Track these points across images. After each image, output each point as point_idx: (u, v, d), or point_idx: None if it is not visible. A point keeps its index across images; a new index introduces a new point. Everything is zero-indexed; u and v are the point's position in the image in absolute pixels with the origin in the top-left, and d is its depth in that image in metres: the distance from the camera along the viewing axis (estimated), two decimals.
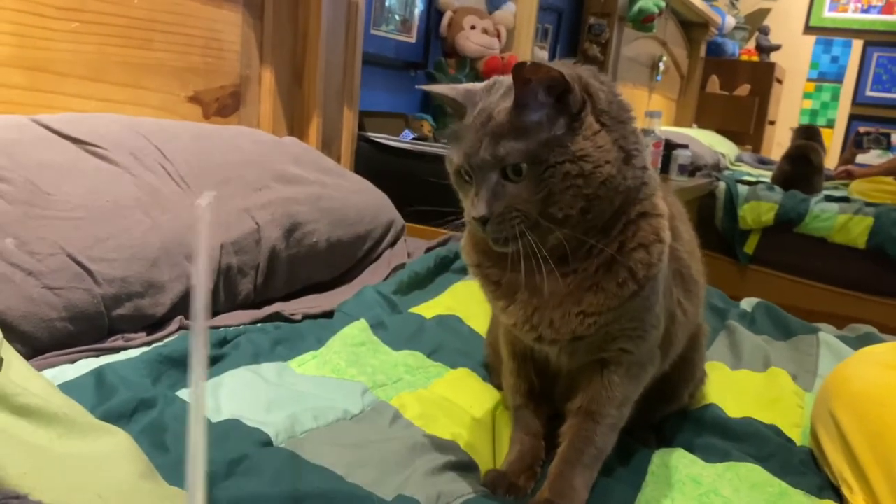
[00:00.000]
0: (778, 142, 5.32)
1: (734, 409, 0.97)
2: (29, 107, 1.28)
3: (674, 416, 0.95)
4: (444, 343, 1.10)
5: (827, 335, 1.24)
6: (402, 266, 1.39)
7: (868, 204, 3.21)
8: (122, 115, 1.30)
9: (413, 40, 2.54)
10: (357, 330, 1.08)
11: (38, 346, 0.86)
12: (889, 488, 0.73)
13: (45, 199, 0.95)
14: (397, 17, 2.45)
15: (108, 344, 0.93)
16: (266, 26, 1.77)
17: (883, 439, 0.76)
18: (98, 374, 0.82)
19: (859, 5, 5.26)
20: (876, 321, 3.00)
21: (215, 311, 1.09)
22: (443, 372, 1.01)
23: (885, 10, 5.18)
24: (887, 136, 3.79)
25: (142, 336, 0.97)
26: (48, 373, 0.83)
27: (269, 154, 1.31)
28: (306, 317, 1.15)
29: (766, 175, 3.80)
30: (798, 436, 0.94)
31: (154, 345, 0.95)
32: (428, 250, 1.50)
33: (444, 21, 2.60)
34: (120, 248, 0.96)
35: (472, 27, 2.60)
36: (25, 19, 1.27)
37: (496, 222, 0.67)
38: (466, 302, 1.27)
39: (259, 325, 1.09)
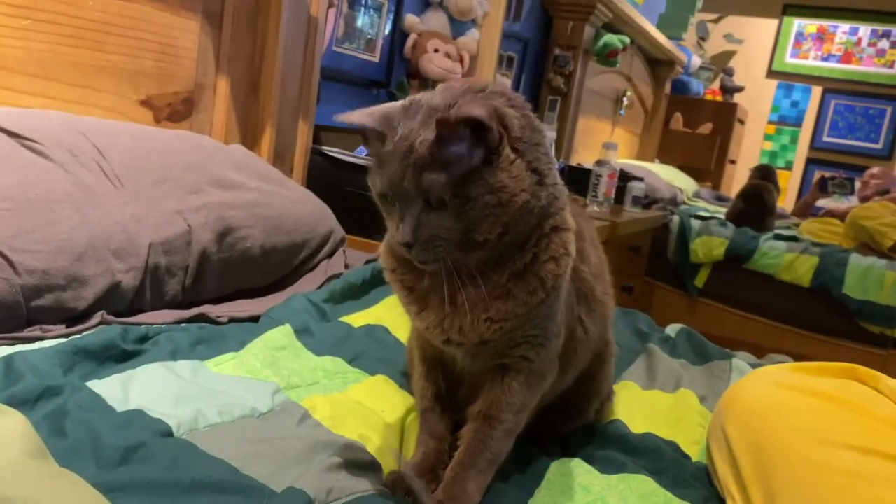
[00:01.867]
0: (738, 180, 5.45)
1: (638, 425, 1.01)
2: None
3: (579, 429, 0.98)
4: (367, 351, 1.13)
5: (740, 362, 1.29)
6: (337, 276, 1.41)
7: (814, 244, 3.31)
8: (64, 113, 1.31)
9: (377, 60, 2.59)
10: (280, 334, 1.10)
11: None
12: (764, 499, 0.77)
13: None
14: (364, 37, 2.49)
15: (24, 333, 0.94)
16: (224, 35, 1.79)
17: (763, 452, 0.80)
18: (7, 360, 0.83)
19: (819, 53, 5.45)
20: (815, 357, 3.09)
21: (140, 309, 1.11)
22: (361, 378, 1.04)
23: (843, 59, 5.37)
24: (851, 180, 3.91)
25: (60, 328, 0.98)
26: None
27: (209, 159, 1.34)
28: (232, 320, 1.17)
29: (722, 211, 3.90)
30: (696, 452, 0.98)
31: (72, 337, 0.96)
32: (367, 262, 1.53)
33: (409, 43, 2.66)
34: (45, 241, 0.97)
35: (436, 50, 2.65)
36: None
37: (421, 248, 0.71)
38: (397, 314, 1.29)
39: (183, 325, 1.10)
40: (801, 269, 3.24)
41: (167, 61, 1.66)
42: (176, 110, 1.71)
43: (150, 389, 0.86)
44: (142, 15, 1.58)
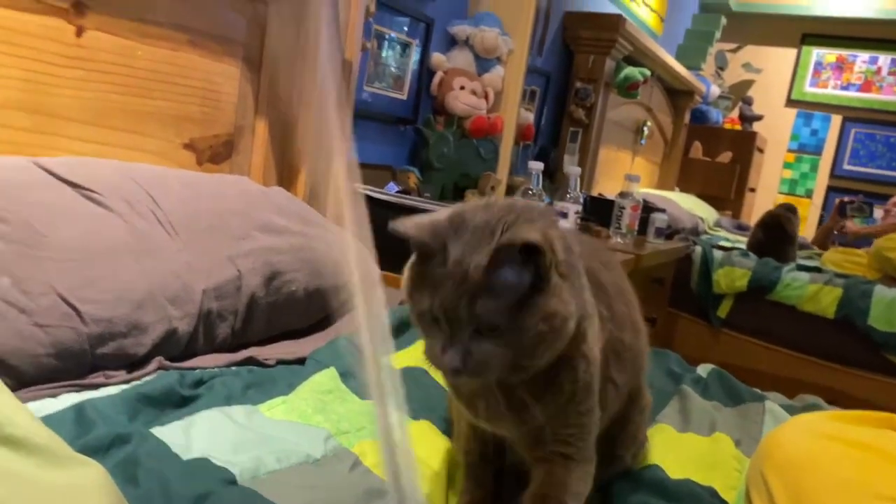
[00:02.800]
0: (757, 208, 5.46)
1: (675, 470, 1.03)
2: (31, 147, 1.35)
3: (617, 476, 1.01)
4: (409, 395, 1.16)
5: (773, 404, 1.31)
6: None
7: (838, 275, 3.31)
8: (117, 161, 1.37)
9: (404, 97, 2.65)
10: (326, 378, 1.14)
11: (23, 379, 0.92)
12: None
13: (41, 240, 1.01)
14: (392, 75, 2.56)
15: (89, 380, 0.99)
16: (263, 80, 1.86)
17: (800, 502, 0.83)
18: (78, 408, 0.87)
19: (838, 82, 5.47)
20: (840, 390, 3.08)
21: (192, 353, 1.15)
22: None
23: (863, 88, 5.39)
24: (870, 204, 3.91)
25: (122, 374, 1.03)
26: (32, 405, 0.88)
27: (254, 204, 1.39)
28: (280, 362, 1.21)
29: (742, 241, 3.91)
30: (733, 498, 1.00)
31: (133, 383, 1.01)
32: (401, 302, 1.56)
33: (435, 80, 2.72)
34: (108, 290, 1.02)
35: (462, 87, 2.72)
36: (35, 66, 1.35)
37: (470, 375, 0.70)
38: None
39: (234, 368, 1.15)
40: (825, 300, 3.24)
41: (210, 106, 1.73)
42: (217, 152, 1.78)
43: (210, 436, 0.90)
44: (187, 63, 1.65)
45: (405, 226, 0.72)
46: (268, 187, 1.64)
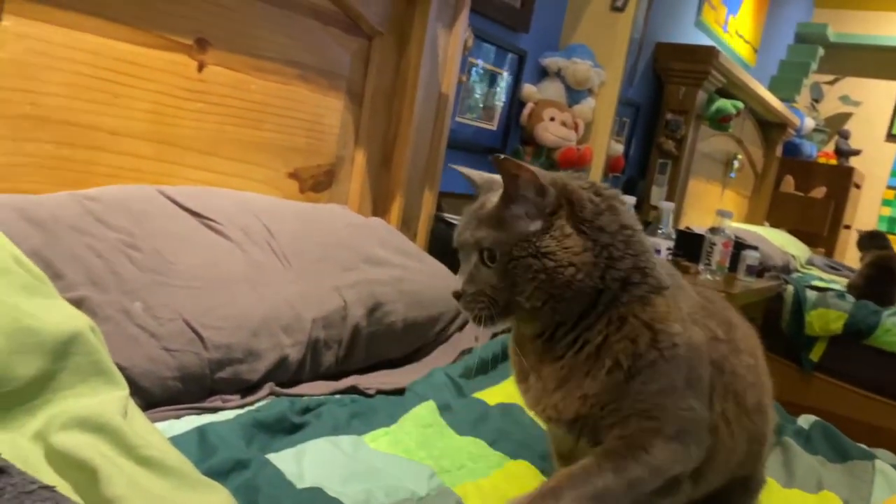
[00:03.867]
0: (852, 246, 5.23)
1: None
2: (153, 175, 1.44)
3: None
4: (506, 432, 1.17)
5: (884, 464, 1.25)
6: (468, 350, 1.47)
7: None
8: (232, 191, 1.45)
9: (494, 128, 2.69)
10: (426, 411, 1.16)
11: (150, 400, 0.98)
12: None
13: (169, 267, 1.08)
14: (483, 106, 2.60)
15: (207, 403, 1.04)
16: (364, 113, 1.93)
17: None
18: (201, 431, 0.92)
19: None
20: None
21: (299, 380, 1.20)
22: (503, 462, 1.08)
23: None
24: None
25: (236, 399, 1.08)
26: (158, 426, 0.94)
27: (358, 236, 1.44)
28: (379, 392, 1.24)
29: (837, 280, 3.75)
30: None
31: (247, 408, 1.06)
32: (494, 336, 1.58)
33: (526, 111, 2.75)
34: (227, 318, 1.08)
35: (552, 119, 2.73)
36: (160, 98, 1.44)
37: (467, 300, 0.76)
38: None
39: (337, 396, 1.18)
40: None
41: (315, 137, 1.80)
42: (318, 181, 1.84)
43: (321, 465, 0.94)
44: (296, 96, 1.72)
45: (468, 171, 0.87)
46: (367, 218, 1.69)
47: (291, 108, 1.72)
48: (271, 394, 1.11)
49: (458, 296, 0.77)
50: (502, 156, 0.73)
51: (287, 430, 1.02)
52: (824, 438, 1.37)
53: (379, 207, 1.98)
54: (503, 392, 1.35)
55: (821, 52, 5.19)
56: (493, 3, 2.47)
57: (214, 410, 1.03)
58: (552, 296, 0.74)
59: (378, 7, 1.86)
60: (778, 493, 1.13)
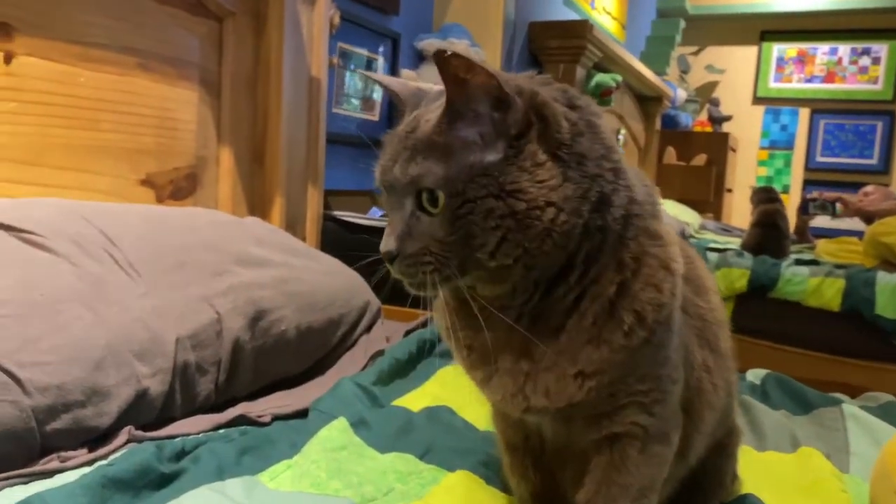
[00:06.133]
0: (736, 209, 5.39)
1: (773, 498, 0.85)
2: None
3: None
4: (437, 441, 0.96)
5: (851, 407, 1.14)
6: (380, 353, 1.26)
7: (837, 266, 3.20)
8: (63, 199, 1.17)
9: (377, 119, 2.49)
10: (336, 431, 0.94)
11: None
12: None
13: None
14: (361, 96, 2.39)
15: (39, 467, 0.77)
16: (224, 104, 1.68)
17: None
18: None
19: (802, 76, 5.46)
20: (857, 384, 2.94)
21: (170, 417, 0.94)
22: (439, 477, 0.87)
23: (827, 79, 5.38)
24: (833, 203, 3.83)
25: (82, 453, 0.82)
26: None
27: (229, 235, 1.19)
28: (276, 418, 1.01)
29: (731, 242, 3.79)
30: None
31: (97, 463, 0.80)
32: (407, 333, 1.37)
33: None
34: (55, 350, 0.81)
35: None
36: None
37: (406, 263, 0.55)
38: (457, 389, 1.14)
39: (222, 430, 0.94)
40: (828, 293, 3.11)
41: (166, 136, 1.54)
42: (179, 187, 1.58)
43: None
44: (137, 88, 1.46)
45: (387, 79, 0.63)
46: (241, 218, 1.44)
47: (133, 104, 1.46)
48: (130, 441, 0.86)
49: (390, 257, 0.55)
50: (449, 51, 0.50)
51: (154, 483, 0.77)
52: (781, 391, 1.25)
53: (257, 211, 1.73)
54: (427, 394, 1.14)
55: (682, 24, 5.31)
56: None
57: (51, 474, 0.77)
58: (526, 249, 0.53)
59: None
60: (756, 460, 0.99)
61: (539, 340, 0.57)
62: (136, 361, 0.88)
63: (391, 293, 1.63)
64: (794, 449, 1.01)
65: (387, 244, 0.55)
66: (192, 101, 1.59)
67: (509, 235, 0.53)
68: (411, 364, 1.26)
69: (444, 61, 0.51)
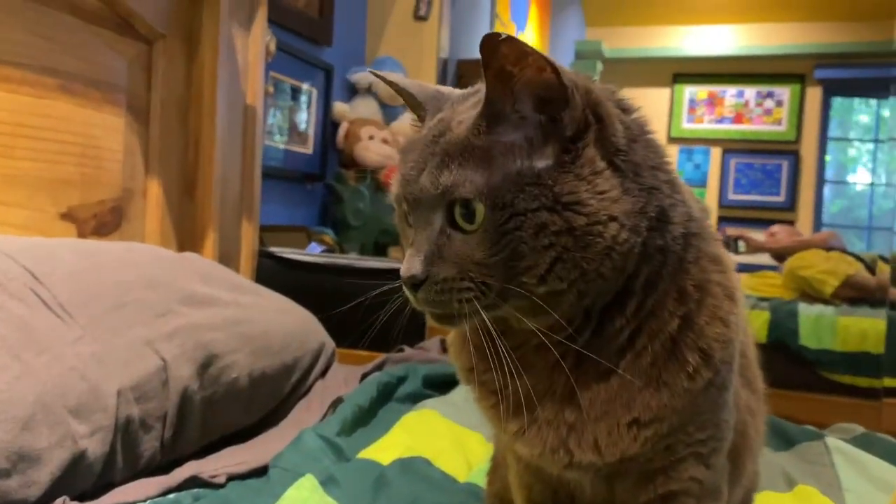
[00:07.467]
0: None
1: None
2: None
3: None
4: (417, 496, 0.87)
5: (834, 440, 1.11)
6: (339, 400, 1.14)
7: (761, 299, 3.28)
8: None
9: (310, 151, 2.39)
10: (306, 492, 0.82)
11: None
12: None
13: None
14: (295, 129, 2.29)
15: None
16: (153, 132, 1.55)
17: None
18: None
19: (713, 117, 5.70)
20: (787, 415, 3.00)
21: (110, 484, 0.81)
22: None
23: (736, 120, 5.64)
24: (735, 240, 3.98)
25: None
26: None
27: (172, 272, 1.07)
28: (231, 478, 0.88)
29: None
30: None
31: None
32: (363, 377, 1.27)
33: (341, 132, 2.48)
34: None
35: (371, 137, 2.48)
36: None
37: (436, 290, 0.46)
38: (426, 436, 1.04)
39: (172, 495, 0.81)
40: (754, 324, 3.19)
41: (90, 165, 1.39)
42: (103, 222, 1.43)
43: None
44: (58, 113, 1.32)
45: (394, 77, 0.55)
46: (180, 253, 1.31)
47: (53, 129, 1.32)
48: None
49: (414, 283, 0.46)
50: (503, 35, 0.42)
51: None
52: None
53: (187, 246, 1.59)
54: (396, 443, 1.04)
55: (600, 66, 5.47)
56: (290, 11, 2.19)
57: None
58: (583, 272, 0.46)
59: (155, 4, 1.51)
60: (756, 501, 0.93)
61: (587, 385, 0.49)
62: (72, 419, 0.75)
63: (342, 334, 1.53)
64: (791, 487, 0.96)
65: (410, 267, 0.46)
66: (119, 127, 1.46)
67: (565, 255, 0.45)
68: (372, 411, 1.16)
69: (492, 49, 0.43)
